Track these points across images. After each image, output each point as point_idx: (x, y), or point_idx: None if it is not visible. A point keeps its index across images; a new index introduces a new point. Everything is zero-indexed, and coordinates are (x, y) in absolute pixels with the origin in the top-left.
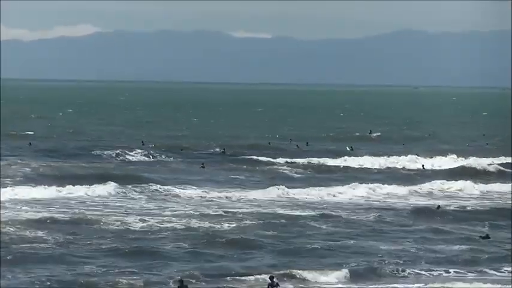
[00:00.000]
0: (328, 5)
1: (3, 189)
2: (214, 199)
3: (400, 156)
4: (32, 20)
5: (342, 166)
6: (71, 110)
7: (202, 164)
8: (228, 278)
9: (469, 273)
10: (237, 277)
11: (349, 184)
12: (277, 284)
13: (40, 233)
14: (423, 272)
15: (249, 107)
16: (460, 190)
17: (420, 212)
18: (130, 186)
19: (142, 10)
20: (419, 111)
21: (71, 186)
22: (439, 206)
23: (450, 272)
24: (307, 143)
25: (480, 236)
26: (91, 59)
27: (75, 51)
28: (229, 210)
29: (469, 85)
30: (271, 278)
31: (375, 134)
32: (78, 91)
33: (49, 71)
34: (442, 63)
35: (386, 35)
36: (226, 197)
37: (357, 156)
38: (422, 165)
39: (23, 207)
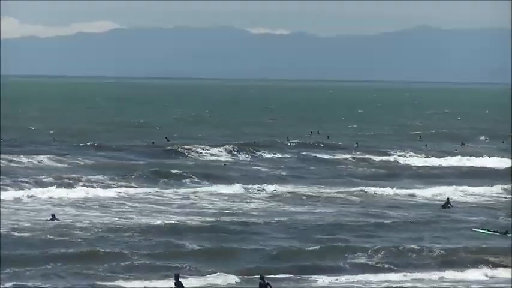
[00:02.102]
0: (344, 2)
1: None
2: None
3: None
4: (48, 16)
5: (402, 163)
6: (104, 105)
7: (225, 163)
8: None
9: None
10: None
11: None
12: (268, 284)
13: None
14: None
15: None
16: None
17: None
18: (251, 186)
19: (159, 6)
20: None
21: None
22: (448, 199)
23: None
24: (328, 136)
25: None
26: (108, 56)
27: (92, 48)
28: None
29: (487, 82)
30: (261, 277)
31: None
32: (103, 87)
33: (66, 67)
34: (457, 60)
35: (402, 32)
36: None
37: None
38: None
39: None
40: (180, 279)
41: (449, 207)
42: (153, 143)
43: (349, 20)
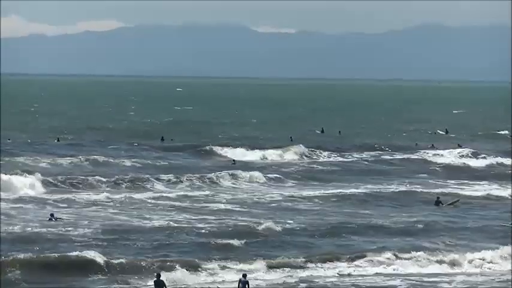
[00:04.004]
0: (350, 1)
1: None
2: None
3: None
4: (55, 14)
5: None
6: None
7: (234, 161)
8: None
9: None
10: None
11: None
12: (247, 282)
13: None
14: None
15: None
16: None
17: None
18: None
19: (165, 5)
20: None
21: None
22: (438, 197)
23: None
24: (339, 131)
25: None
26: (114, 54)
27: (98, 47)
28: None
29: (492, 80)
30: (244, 275)
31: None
32: (120, 86)
33: (72, 66)
34: (462, 58)
35: (407, 30)
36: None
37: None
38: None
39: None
40: (161, 278)
41: (441, 205)
42: (162, 139)
43: (355, 19)
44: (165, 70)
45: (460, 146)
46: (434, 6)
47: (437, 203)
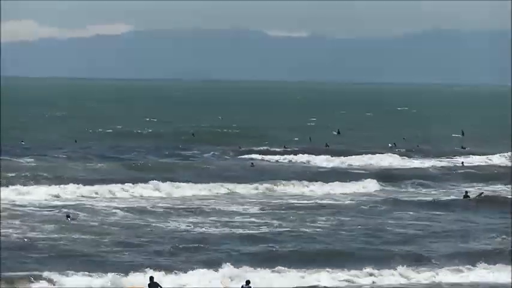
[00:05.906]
0: (361, 4)
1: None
2: None
3: None
4: (65, 18)
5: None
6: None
7: (252, 163)
8: None
9: None
10: None
11: None
12: None
13: None
14: None
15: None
16: None
17: None
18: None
19: (175, 8)
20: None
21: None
22: (466, 191)
23: None
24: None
25: None
26: (125, 57)
27: (108, 50)
28: None
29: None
30: (247, 282)
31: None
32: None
33: (82, 69)
34: (472, 62)
35: (417, 34)
36: None
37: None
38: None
39: None
40: (155, 281)
41: (468, 199)
42: (193, 134)
43: (369, 22)
44: (176, 74)
45: (463, 148)
46: (444, 10)
47: (466, 196)
